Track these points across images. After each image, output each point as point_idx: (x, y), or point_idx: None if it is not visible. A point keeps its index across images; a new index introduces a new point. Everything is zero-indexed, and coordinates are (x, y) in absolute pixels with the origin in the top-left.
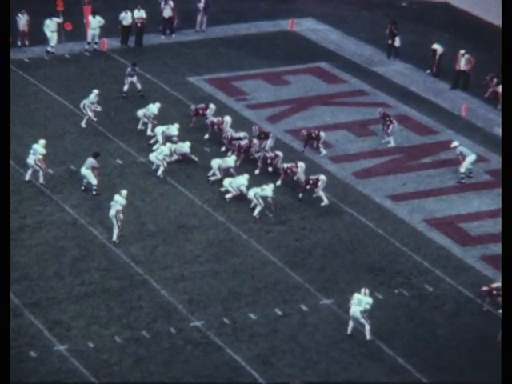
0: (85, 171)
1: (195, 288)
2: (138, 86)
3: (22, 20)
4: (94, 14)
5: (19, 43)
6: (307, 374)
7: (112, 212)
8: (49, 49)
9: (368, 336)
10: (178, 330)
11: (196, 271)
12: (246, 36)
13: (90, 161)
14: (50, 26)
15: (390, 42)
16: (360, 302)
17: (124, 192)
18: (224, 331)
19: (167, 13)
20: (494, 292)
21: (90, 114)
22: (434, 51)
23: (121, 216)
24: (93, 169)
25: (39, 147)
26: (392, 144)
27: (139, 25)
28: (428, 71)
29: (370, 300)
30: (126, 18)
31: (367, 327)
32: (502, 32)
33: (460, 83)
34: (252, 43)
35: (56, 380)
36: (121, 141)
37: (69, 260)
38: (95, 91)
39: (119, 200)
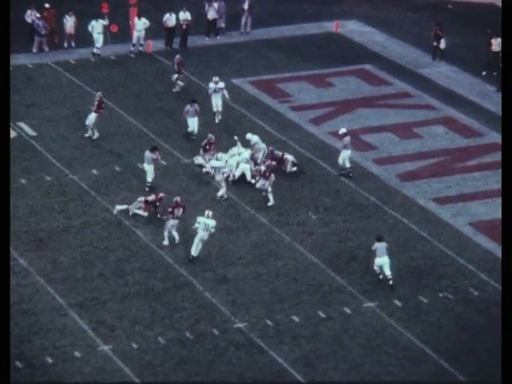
0: (147, 167)
1: (238, 290)
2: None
3: (69, 22)
4: (139, 16)
5: (66, 45)
6: (350, 377)
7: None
8: (95, 50)
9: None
10: (221, 332)
11: (239, 273)
12: (291, 38)
13: (147, 154)
14: (96, 28)
15: (435, 43)
16: (207, 226)
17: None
18: (267, 333)
19: (211, 15)
20: None
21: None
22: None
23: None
24: (153, 161)
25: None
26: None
27: (184, 27)
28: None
29: (214, 223)
30: (171, 19)
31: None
32: (501, 29)
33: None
34: (296, 45)
35: (100, 380)
36: (164, 142)
37: (113, 261)
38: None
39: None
